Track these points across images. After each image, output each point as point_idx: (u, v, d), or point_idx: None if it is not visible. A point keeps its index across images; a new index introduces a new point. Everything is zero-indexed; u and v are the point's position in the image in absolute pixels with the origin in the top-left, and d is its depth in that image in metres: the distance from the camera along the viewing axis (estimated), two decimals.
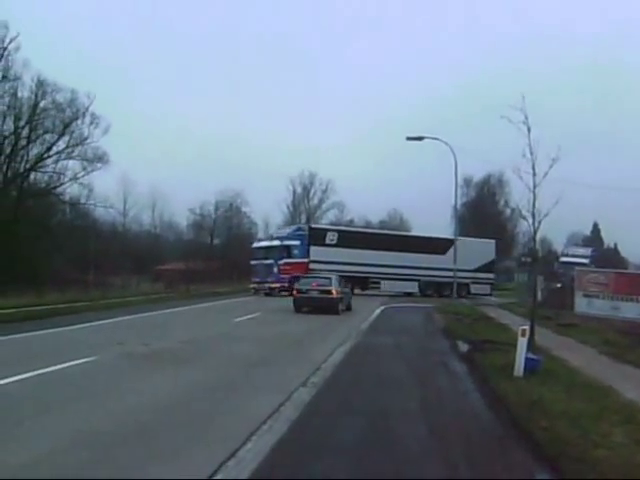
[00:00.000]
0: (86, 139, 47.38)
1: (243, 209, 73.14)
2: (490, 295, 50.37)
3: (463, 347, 16.16)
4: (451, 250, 49.34)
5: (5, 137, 43.93)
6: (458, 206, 46.63)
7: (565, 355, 14.43)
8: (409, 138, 36.90)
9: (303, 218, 76.93)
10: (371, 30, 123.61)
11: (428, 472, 6.33)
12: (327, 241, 45.85)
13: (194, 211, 70.62)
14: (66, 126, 46.48)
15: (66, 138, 46.93)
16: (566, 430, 7.37)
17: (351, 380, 11.53)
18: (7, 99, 44.42)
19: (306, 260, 44.45)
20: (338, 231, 48.98)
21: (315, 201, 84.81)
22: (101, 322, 21.98)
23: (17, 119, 44.48)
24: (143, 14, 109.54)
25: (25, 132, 44.98)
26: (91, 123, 47.19)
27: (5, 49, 41.21)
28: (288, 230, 48.39)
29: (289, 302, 29.11)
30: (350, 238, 47.05)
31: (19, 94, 44.56)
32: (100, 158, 47.92)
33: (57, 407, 8.68)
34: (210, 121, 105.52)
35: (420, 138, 36.63)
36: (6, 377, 10.38)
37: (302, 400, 9.32)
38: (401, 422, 8.24)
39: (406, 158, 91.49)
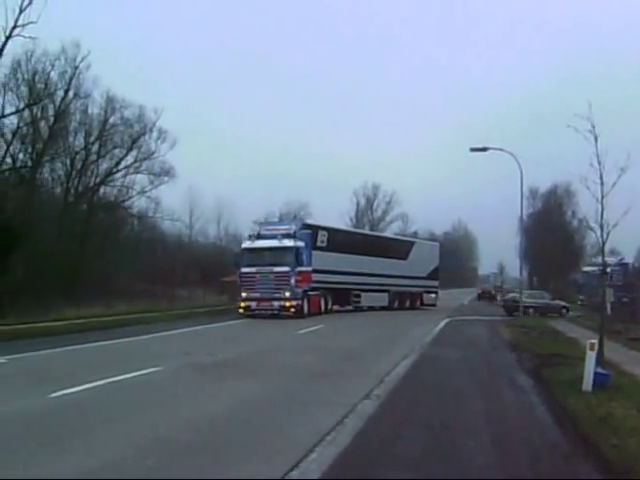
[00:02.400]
0: (153, 153, 48.58)
1: (308, 221, 73.22)
2: (434, 305, 43.97)
3: (529, 361, 15.84)
4: (412, 254, 43.83)
5: (76, 152, 45.25)
6: (524, 217, 44.67)
7: (636, 370, 13.98)
8: (473, 149, 36.39)
9: (367, 230, 76.73)
10: (437, 43, 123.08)
11: None
12: (318, 243, 35.48)
13: (259, 223, 71.01)
14: (134, 141, 47.71)
15: (134, 153, 48.18)
16: (637, 447, 7.16)
17: (415, 393, 11.43)
18: (78, 116, 45.82)
19: (310, 269, 33.65)
20: (328, 230, 37.72)
21: (379, 213, 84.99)
22: (168, 333, 22.48)
23: (87, 135, 45.82)
24: (209, 29, 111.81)
25: (95, 147, 46.32)
26: (158, 138, 48.37)
27: (77, 67, 42.48)
28: (292, 226, 35.36)
29: (347, 317, 29.41)
30: (341, 240, 37.92)
31: (89, 110, 46.00)
32: (167, 172, 49.01)
33: (124, 415, 8.93)
34: (275, 133, 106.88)
35: (484, 149, 36.08)
36: (78, 385, 10.78)
37: (366, 412, 9.29)
38: (465, 435, 8.12)
39: (471, 169, 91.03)
